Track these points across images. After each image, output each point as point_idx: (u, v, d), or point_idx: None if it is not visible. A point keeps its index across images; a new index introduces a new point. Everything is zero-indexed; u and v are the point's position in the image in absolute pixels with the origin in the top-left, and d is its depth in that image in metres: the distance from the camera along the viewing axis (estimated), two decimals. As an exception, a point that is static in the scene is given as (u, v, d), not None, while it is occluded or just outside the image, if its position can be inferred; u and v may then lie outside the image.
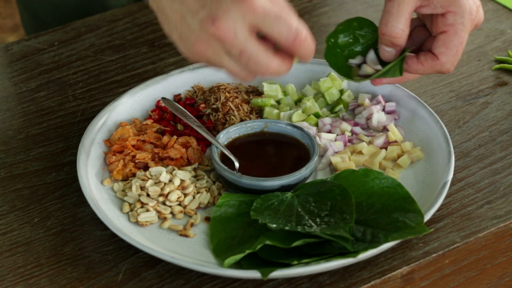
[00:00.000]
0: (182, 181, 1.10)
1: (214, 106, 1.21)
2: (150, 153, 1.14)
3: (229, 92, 1.22)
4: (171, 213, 1.08)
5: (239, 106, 1.20)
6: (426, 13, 1.10)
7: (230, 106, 1.20)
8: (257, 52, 0.99)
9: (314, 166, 1.11)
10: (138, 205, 1.08)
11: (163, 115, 1.22)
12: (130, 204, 1.09)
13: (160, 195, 1.09)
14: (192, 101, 1.24)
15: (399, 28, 1.09)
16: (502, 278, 1.12)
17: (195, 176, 1.12)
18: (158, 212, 1.08)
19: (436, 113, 1.22)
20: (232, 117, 1.19)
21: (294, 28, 0.99)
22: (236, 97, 1.21)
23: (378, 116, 1.19)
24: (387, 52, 1.11)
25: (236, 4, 0.98)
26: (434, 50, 1.10)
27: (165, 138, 1.15)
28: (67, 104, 1.27)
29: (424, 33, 1.14)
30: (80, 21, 1.45)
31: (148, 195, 1.09)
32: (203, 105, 1.22)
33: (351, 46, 1.15)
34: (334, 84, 1.24)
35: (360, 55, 1.15)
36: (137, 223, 1.07)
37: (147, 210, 1.07)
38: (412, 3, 1.08)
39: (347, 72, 1.14)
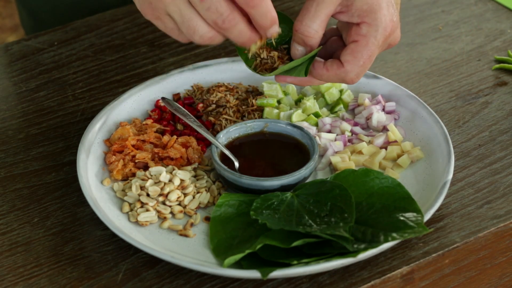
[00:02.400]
0: (182, 181, 1.10)
1: (210, 108, 1.21)
2: (150, 153, 1.14)
3: (222, 92, 1.22)
4: (171, 213, 1.08)
5: (231, 106, 1.20)
6: (343, 20, 1.09)
7: (225, 106, 1.20)
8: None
9: (314, 166, 1.11)
10: (138, 205, 1.08)
11: (163, 115, 1.22)
12: (130, 204, 1.09)
13: (160, 195, 1.09)
14: (191, 100, 1.24)
15: (313, 28, 1.07)
16: (502, 278, 1.12)
17: (195, 176, 1.12)
18: (158, 212, 1.08)
19: (436, 113, 1.22)
20: (225, 116, 1.19)
21: None
22: (230, 96, 1.21)
23: (378, 116, 1.19)
24: (298, 50, 1.09)
25: None
26: (341, 58, 1.08)
27: (165, 138, 1.15)
28: (67, 104, 1.27)
29: (339, 44, 1.13)
30: (80, 21, 1.45)
31: (148, 195, 1.09)
32: (201, 105, 1.22)
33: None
34: (334, 84, 1.24)
35: None
36: (137, 223, 1.07)
37: (147, 210, 1.07)
38: (331, 5, 1.06)
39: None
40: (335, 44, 1.13)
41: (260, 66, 1.12)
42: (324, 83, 1.13)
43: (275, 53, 1.12)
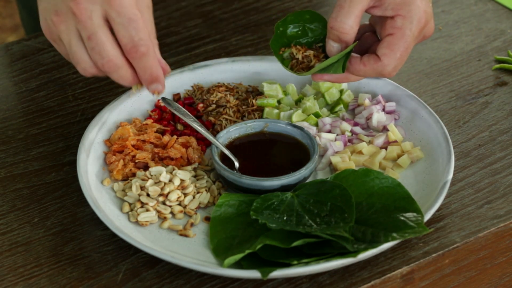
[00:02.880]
0: (182, 181, 1.10)
1: (210, 108, 1.21)
2: (150, 153, 1.14)
3: (222, 92, 1.22)
4: (171, 213, 1.08)
5: (231, 106, 1.20)
6: (377, 14, 1.10)
7: (225, 106, 1.20)
8: (106, 41, 1.04)
9: (314, 166, 1.11)
10: (138, 205, 1.08)
11: (163, 115, 1.22)
12: (130, 204, 1.09)
13: (160, 195, 1.09)
14: (191, 100, 1.24)
15: (348, 24, 1.08)
16: (502, 278, 1.12)
17: (195, 176, 1.12)
18: (158, 212, 1.08)
19: (436, 113, 1.22)
20: (225, 116, 1.19)
21: (137, 38, 1.04)
22: (231, 97, 1.21)
23: (378, 116, 1.19)
24: (333, 47, 1.10)
25: None
26: (378, 52, 1.09)
27: (165, 138, 1.15)
28: (67, 104, 1.27)
29: (373, 39, 1.14)
30: (80, 21, 1.44)
31: (148, 195, 1.09)
32: (201, 105, 1.22)
33: (299, 38, 1.14)
34: (334, 84, 1.24)
35: None
36: (137, 223, 1.07)
37: (147, 210, 1.07)
38: (365, 1, 1.07)
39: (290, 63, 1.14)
40: (369, 39, 1.14)
41: (297, 66, 1.12)
42: (360, 79, 1.14)
43: (310, 52, 1.12)
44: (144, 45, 1.04)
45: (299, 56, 1.12)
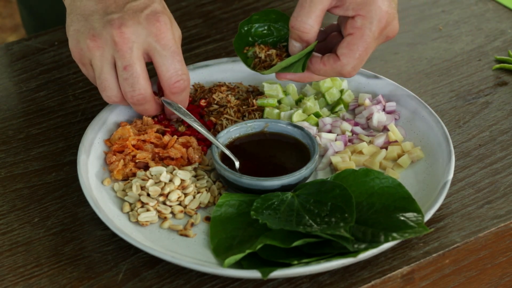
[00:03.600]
0: (182, 181, 1.10)
1: (212, 107, 1.21)
2: (151, 153, 1.14)
3: (224, 92, 1.22)
4: (171, 213, 1.08)
5: (232, 106, 1.20)
6: (339, 14, 1.09)
7: (225, 106, 1.20)
8: (141, 74, 1.07)
9: (315, 166, 1.11)
10: (139, 205, 1.08)
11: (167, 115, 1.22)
12: (130, 204, 1.09)
13: (161, 195, 1.09)
14: (191, 99, 1.24)
15: (308, 24, 1.08)
16: (502, 278, 1.12)
17: (195, 176, 1.12)
18: (158, 212, 1.08)
19: (436, 113, 1.22)
20: (225, 116, 1.19)
21: (181, 71, 1.09)
22: (231, 96, 1.21)
23: (379, 116, 1.19)
24: (295, 46, 1.10)
25: (147, 22, 1.06)
26: (337, 51, 1.09)
27: (166, 138, 1.15)
28: (67, 104, 1.27)
29: (339, 39, 1.13)
30: (80, 21, 1.44)
31: (148, 195, 1.09)
32: (203, 101, 1.22)
33: (264, 38, 1.15)
34: (334, 84, 1.24)
35: None
36: (137, 223, 1.07)
37: (147, 210, 1.07)
38: (326, 1, 1.07)
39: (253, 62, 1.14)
40: (335, 39, 1.14)
41: (259, 65, 1.12)
42: (324, 78, 1.14)
43: (273, 51, 1.12)
44: (186, 80, 1.10)
45: (262, 55, 1.12)
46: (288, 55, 1.12)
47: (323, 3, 1.07)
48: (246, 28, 1.15)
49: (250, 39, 1.15)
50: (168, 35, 1.07)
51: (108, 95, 1.10)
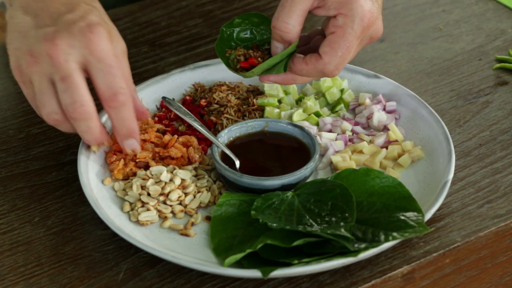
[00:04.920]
0: (182, 180, 1.10)
1: (212, 107, 1.21)
2: (151, 152, 1.14)
3: (224, 92, 1.22)
4: (172, 212, 1.08)
5: (232, 106, 1.20)
6: (321, 14, 1.09)
7: (226, 105, 1.20)
8: (80, 84, 1.01)
9: (315, 165, 1.11)
10: (139, 204, 1.08)
11: (169, 115, 1.22)
12: (130, 204, 1.09)
13: (161, 194, 1.09)
14: (191, 99, 1.24)
15: (290, 24, 1.07)
16: (502, 277, 1.12)
17: (195, 176, 1.12)
18: (158, 211, 1.08)
19: (436, 112, 1.22)
20: (226, 115, 1.19)
21: (118, 85, 1.01)
22: (232, 96, 1.21)
23: (379, 116, 1.19)
24: (277, 48, 1.10)
25: (82, 34, 1.01)
26: (319, 50, 1.08)
27: (166, 137, 1.15)
28: (67, 104, 1.27)
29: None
30: (81, 21, 1.44)
31: (148, 194, 1.09)
32: (203, 100, 1.22)
33: (246, 41, 1.14)
34: (334, 83, 1.24)
35: None
36: (137, 222, 1.07)
37: (148, 210, 1.07)
38: (307, 1, 1.07)
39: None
40: (318, 42, 1.13)
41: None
42: (307, 80, 1.13)
43: (256, 54, 1.12)
44: (124, 94, 1.02)
45: (242, 58, 1.12)
46: (270, 57, 1.12)
47: (304, 3, 1.07)
48: (228, 32, 1.14)
49: (232, 42, 1.14)
50: (103, 47, 1.01)
51: (48, 112, 1.02)
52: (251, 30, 1.14)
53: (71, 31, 1.01)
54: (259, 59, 1.12)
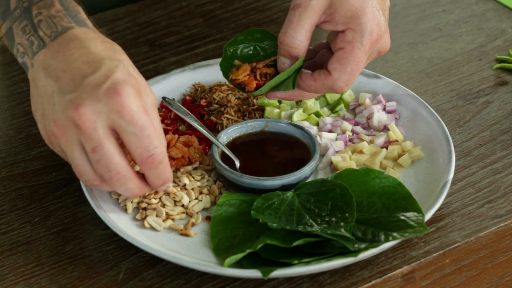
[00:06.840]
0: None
1: (212, 107, 1.21)
2: (151, 152, 1.14)
3: (224, 92, 1.22)
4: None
5: (232, 106, 1.20)
6: (329, 29, 1.08)
7: (226, 105, 1.20)
8: (113, 153, 0.96)
9: (315, 165, 1.11)
10: (139, 204, 1.08)
11: (169, 115, 1.22)
12: (131, 203, 1.09)
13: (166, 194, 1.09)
14: (191, 99, 1.24)
15: (297, 39, 1.06)
16: (502, 277, 1.12)
17: (198, 176, 1.12)
18: (166, 214, 1.07)
19: (436, 112, 1.22)
20: (226, 115, 1.19)
21: (152, 146, 0.96)
22: (232, 96, 1.21)
23: (379, 116, 1.19)
24: (284, 63, 1.08)
25: (107, 97, 0.95)
26: (328, 66, 1.07)
27: (167, 137, 1.15)
28: (67, 104, 1.27)
29: (328, 56, 1.11)
30: (81, 21, 1.44)
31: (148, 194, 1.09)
32: (203, 100, 1.22)
33: (251, 58, 1.13)
34: (334, 83, 1.24)
35: None
36: (137, 222, 1.07)
37: (149, 210, 1.07)
38: (314, 15, 1.05)
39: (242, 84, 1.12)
40: (324, 56, 1.12)
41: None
42: (315, 95, 1.12)
43: (261, 71, 1.11)
44: (160, 153, 0.97)
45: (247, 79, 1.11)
46: (277, 73, 1.10)
47: (312, 18, 1.05)
48: (231, 50, 1.13)
49: (236, 61, 1.13)
50: (132, 108, 0.95)
51: (86, 179, 0.99)
52: (255, 46, 1.13)
53: (96, 96, 0.95)
54: (267, 76, 1.10)
